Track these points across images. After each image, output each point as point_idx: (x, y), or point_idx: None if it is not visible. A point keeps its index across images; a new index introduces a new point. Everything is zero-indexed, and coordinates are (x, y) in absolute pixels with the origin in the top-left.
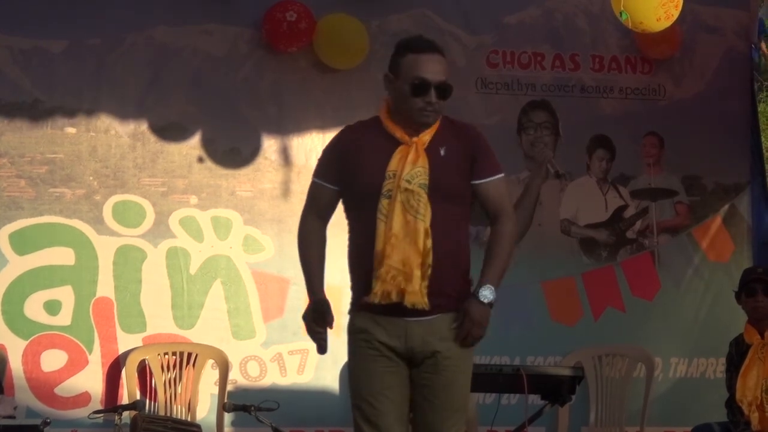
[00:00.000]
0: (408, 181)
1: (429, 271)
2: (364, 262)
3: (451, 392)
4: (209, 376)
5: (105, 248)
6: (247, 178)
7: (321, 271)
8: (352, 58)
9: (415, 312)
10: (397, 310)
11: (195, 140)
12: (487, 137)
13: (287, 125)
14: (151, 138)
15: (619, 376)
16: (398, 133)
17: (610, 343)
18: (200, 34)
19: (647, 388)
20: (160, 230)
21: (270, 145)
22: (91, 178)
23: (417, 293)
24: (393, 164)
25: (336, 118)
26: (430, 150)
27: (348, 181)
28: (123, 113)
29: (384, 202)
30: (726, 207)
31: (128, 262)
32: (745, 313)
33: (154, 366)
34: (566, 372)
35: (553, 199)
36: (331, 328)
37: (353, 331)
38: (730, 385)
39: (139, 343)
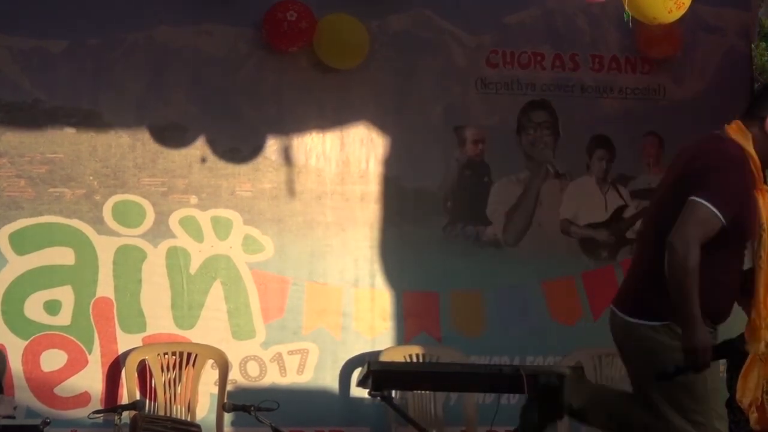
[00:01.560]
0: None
1: None
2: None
3: None
4: (209, 376)
5: (105, 248)
6: (247, 178)
7: None
8: (352, 58)
9: None
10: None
11: (195, 140)
12: (487, 137)
13: (287, 125)
14: (151, 138)
15: (619, 375)
16: (759, 177)
17: (610, 343)
18: (200, 34)
19: None
20: (160, 230)
21: (270, 144)
22: (91, 177)
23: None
24: (765, 213)
25: (336, 118)
26: None
27: (739, 220)
28: (123, 113)
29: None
30: None
31: (128, 262)
32: (744, 313)
33: (154, 366)
34: (566, 372)
35: (553, 199)
36: None
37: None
38: (731, 386)
39: (139, 343)
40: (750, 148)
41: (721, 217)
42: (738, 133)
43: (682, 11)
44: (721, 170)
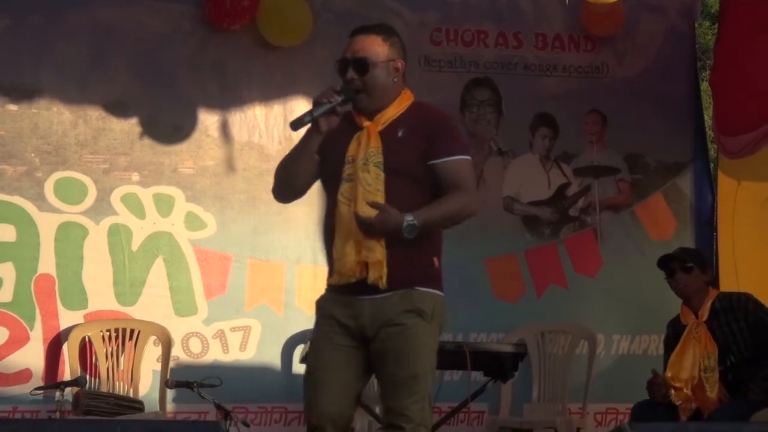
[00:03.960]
0: (364, 163)
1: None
2: (327, 245)
3: (402, 363)
4: (151, 352)
5: (46, 225)
6: (189, 156)
7: None
8: (295, 35)
9: (369, 290)
10: (352, 289)
11: (137, 117)
12: None
13: (230, 102)
14: (94, 115)
15: (562, 352)
16: (359, 119)
17: (552, 320)
18: (143, 12)
19: (590, 365)
20: (101, 207)
21: (212, 122)
22: (32, 154)
23: (379, 269)
24: (351, 150)
25: (279, 96)
26: (388, 132)
27: (319, 168)
28: (65, 90)
29: (346, 186)
30: (668, 185)
31: (70, 238)
32: None
33: (96, 342)
34: (509, 349)
35: (496, 177)
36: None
37: (316, 308)
38: (667, 368)
39: (81, 320)
40: None
41: None
42: None
43: None
44: None
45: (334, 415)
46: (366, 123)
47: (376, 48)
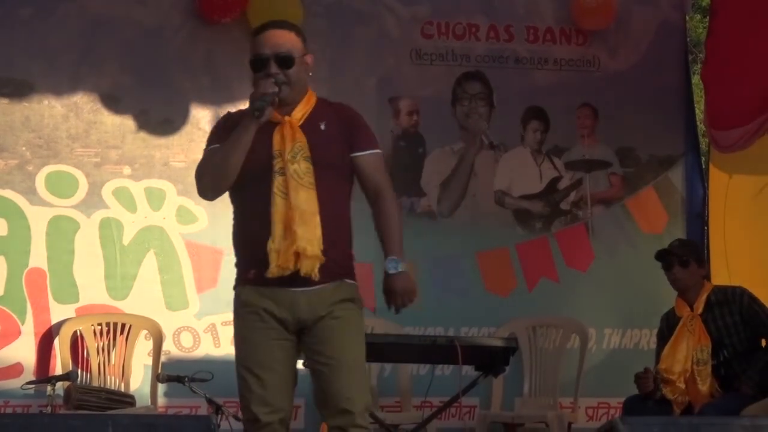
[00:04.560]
0: (293, 156)
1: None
2: (257, 238)
3: (343, 352)
4: (143, 346)
5: (38, 219)
6: (180, 149)
7: None
8: None
9: (302, 282)
10: (283, 281)
11: (128, 110)
12: (422, 108)
13: (221, 95)
14: (85, 108)
15: (553, 346)
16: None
17: (544, 314)
18: (133, 4)
19: (581, 359)
20: (93, 201)
21: (204, 115)
22: (24, 148)
23: (315, 261)
24: (276, 143)
25: None
26: (309, 125)
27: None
28: (56, 83)
29: (279, 179)
30: (660, 178)
31: (61, 232)
32: None
33: (88, 337)
34: (500, 343)
35: (488, 171)
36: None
37: (240, 305)
38: (660, 360)
39: (72, 314)
40: None
41: (216, 146)
42: None
43: None
44: None
45: (285, 412)
46: (286, 118)
47: (294, 43)
